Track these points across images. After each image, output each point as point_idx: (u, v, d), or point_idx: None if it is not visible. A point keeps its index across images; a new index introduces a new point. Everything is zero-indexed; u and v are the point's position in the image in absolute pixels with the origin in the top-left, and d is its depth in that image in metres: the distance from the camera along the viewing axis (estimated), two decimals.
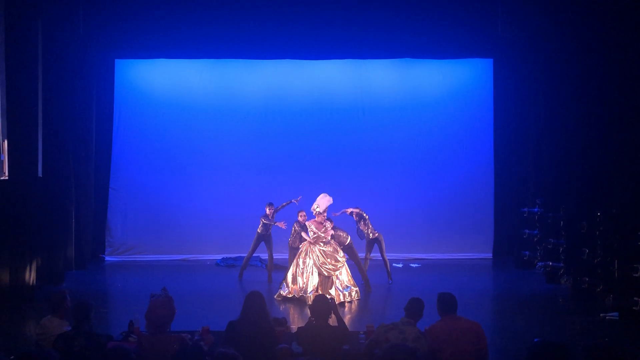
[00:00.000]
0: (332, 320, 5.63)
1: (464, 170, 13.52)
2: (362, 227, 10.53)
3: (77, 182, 11.77)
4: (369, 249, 10.67)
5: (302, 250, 9.62)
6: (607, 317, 8.38)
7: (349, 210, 10.58)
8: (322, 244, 9.48)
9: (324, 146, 13.48)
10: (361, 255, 10.50)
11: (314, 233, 9.54)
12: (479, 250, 13.42)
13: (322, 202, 9.74)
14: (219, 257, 13.03)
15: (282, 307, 9.14)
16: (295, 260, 9.62)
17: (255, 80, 13.48)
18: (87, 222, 12.46)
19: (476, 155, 13.58)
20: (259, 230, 10.96)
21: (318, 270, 9.34)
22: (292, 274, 9.51)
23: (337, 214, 10.46)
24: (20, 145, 9.42)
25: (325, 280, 9.33)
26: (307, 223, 9.74)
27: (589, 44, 9.73)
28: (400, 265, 12.45)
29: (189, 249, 13.27)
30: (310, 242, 9.55)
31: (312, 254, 9.42)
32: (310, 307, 5.52)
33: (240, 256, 12.85)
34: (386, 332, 5.15)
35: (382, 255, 10.64)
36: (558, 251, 10.74)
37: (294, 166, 13.37)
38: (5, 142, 9.05)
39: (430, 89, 13.59)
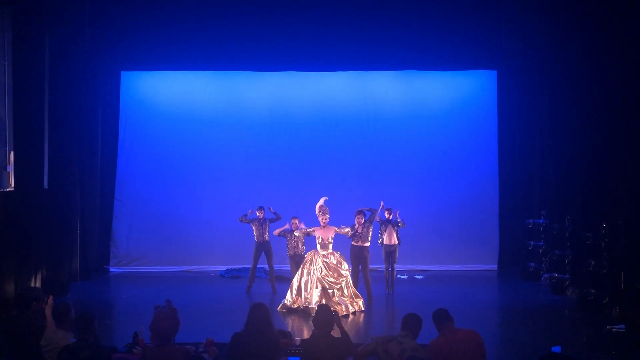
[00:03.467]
0: (336, 333, 5.61)
1: (469, 182, 13.50)
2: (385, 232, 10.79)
3: (82, 194, 11.81)
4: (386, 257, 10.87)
5: (307, 260, 9.57)
6: (613, 330, 8.33)
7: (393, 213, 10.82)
8: (326, 255, 9.43)
9: (329, 158, 13.50)
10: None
11: (322, 240, 9.48)
12: (484, 262, 13.37)
13: (317, 206, 9.75)
14: (223, 268, 13.02)
15: (286, 319, 9.11)
16: (300, 270, 9.58)
17: (260, 92, 13.54)
18: (92, 233, 12.49)
19: (481, 166, 13.56)
20: (256, 239, 11.06)
21: (320, 283, 9.30)
22: (297, 285, 9.48)
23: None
24: (26, 157, 9.47)
25: (327, 293, 9.29)
26: (314, 230, 9.65)
27: (593, 55, 9.74)
28: (405, 277, 12.41)
29: (194, 260, 13.27)
30: (315, 252, 9.51)
31: (315, 265, 9.38)
32: (314, 318, 5.51)
33: (244, 267, 12.84)
34: (385, 344, 5.16)
35: (392, 265, 10.78)
36: (564, 262, 10.69)
37: (299, 178, 13.39)
38: (12, 153, 9.10)
39: (434, 101, 13.61)
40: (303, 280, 9.40)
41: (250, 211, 11.11)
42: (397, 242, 10.79)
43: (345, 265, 9.54)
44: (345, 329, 5.79)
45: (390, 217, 10.78)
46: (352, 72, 13.40)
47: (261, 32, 11.63)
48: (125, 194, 13.35)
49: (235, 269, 12.89)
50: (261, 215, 11.01)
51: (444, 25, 11.53)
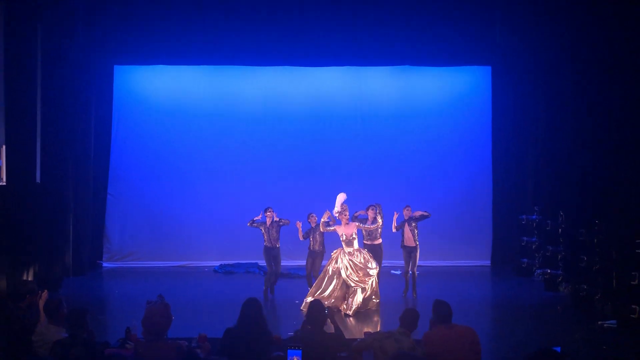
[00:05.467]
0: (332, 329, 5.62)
1: (463, 178, 13.52)
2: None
3: (75, 188, 11.76)
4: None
5: (332, 258, 9.40)
6: (605, 325, 8.38)
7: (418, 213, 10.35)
8: (352, 253, 9.23)
9: (323, 153, 13.48)
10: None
11: (345, 237, 9.29)
12: (477, 258, 13.40)
13: (337, 201, 9.60)
14: (216, 263, 13.00)
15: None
16: (325, 268, 9.46)
17: (254, 87, 13.50)
18: (85, 229, 12.43)
19: (474, 162, 13.58)
20: (265, 244, 10.33)
21: (344, 280, 9.15)
22: (319, 282, 9.35)
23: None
24: (18, 151, 9.42)
25: (348, 290, 9.14)
26: (336, 229, 9.45)
27: (587, 51, 9.76)
28: (398, 273, 12.42)
29: (187, 256, 13.24)
30: (341, 250, 9.33)
31: (341, 263, 9.21)
32: (307, 314, 5.51)
33: (238, 263, 12.85)
34: (381, 341, 5.15)
35: (413, 268, 10.35)
36: (556, 259, 10.73)
37: (292, 173, 13.37)
38: (4, 147, 9.05)
39: (428, 97, 13.61)
40: (328, 277, 9.30)
41: (258, 215, 10.37)
42: (414, 244, 10.26)
43: (374, 264, 9.30)
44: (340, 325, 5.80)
45: (409, 216, 10.33)
46: (347, 68, 13.38)
47: (255, 26, 11.60)
48: (119, 189, 13.30)
49: (229, 264, 12.88)
50: (269, 218, 10.25)
51: (439, 21, 11.53)
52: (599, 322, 8.46)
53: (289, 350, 4.99)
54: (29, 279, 9.53)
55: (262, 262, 12.51)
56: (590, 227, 9.36)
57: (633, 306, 8.14)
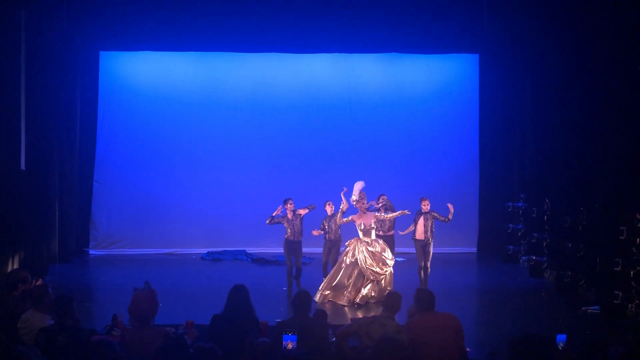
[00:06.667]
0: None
1: (450, 165, 13.55)
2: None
3: (61, 175, 11.66)
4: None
5: (348, 249, 9.14)
6: (588, 311, 8.50)
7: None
8: (370, 243, 9.02)
9: (311, 140, 13.43)
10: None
11: (364, 226, 9.05)
12: (463, 245, 13.46)
13: (355, 189, 9.32)
14: (204, 251, 12.98)
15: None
16: (341, 258, 9.22)
17: (242, 74, 13.40)
18: (71, 216, 12.35)
19: (462, 149, 13.62)
20: (287, 236, 9.80)
21: (362, 272, 8.93)
22: (335, 273, 9.10)
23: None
24: (2, 138, 9.32)
25: (363, 281, 8.94)
26: (353, 218, 9.20)
27: (575, 39, 9.80)
28: None
29: (174, 243, 13.19)
30: (357, 240, 9.09)
31: (360, 254, 8.97)
32: (293, 302, 5.53)
33: (225, 250, 12.84)
34: (367, 326, 5.18)
35: (426, 263, 9.81)
36: (542, 245, 10.84)
37: (280, 159, 13.32)
38: None
39: (416, 84, 13.59)
40: (344, 268, 8.99)
41: (277, 210, 9.79)
42: (424, 237, 9.69)
43: (390, 254, 9.12)
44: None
45: (428, 209, 9.85)
46: (335, 55, 13.31)
47: (243, 12, 11.50)
48: (105, 176, 13.19)
49: (216, 252, 12.86)
50: (289, 211, 9.71)
51: (427, 8, 11.49)
52: (583, 308, 8.58)
53: (284, 335, 4.98)
54: (15, 265, 9.47)
55: (250, 249, 12.57)
56: (575, 215, 9.45)
57: (616, 292, 8.25)
